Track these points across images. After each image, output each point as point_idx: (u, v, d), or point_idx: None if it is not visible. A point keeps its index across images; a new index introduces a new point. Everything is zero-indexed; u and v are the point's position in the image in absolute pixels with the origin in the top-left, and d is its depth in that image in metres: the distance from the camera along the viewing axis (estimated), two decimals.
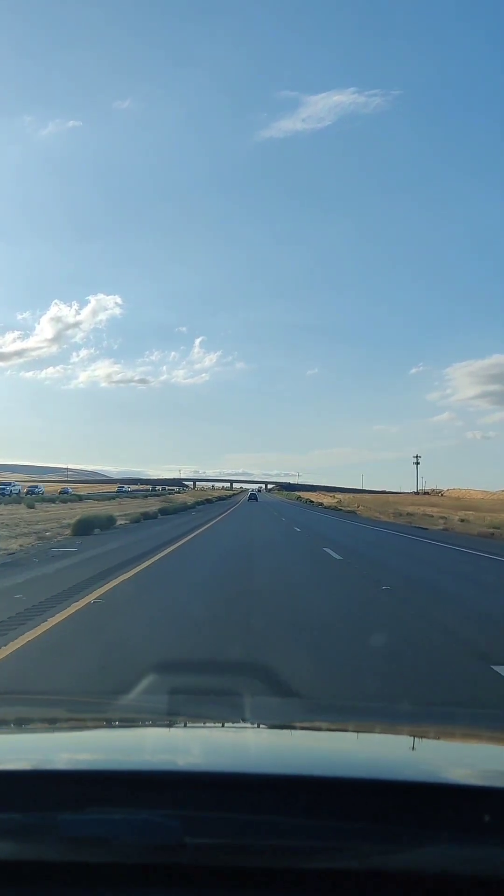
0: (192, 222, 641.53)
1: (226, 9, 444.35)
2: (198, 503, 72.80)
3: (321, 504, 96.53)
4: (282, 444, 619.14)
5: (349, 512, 66.15)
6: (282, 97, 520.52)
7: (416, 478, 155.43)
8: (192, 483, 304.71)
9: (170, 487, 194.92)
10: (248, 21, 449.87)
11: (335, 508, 76.97)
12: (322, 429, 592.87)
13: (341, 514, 58.74)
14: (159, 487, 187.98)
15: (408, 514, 50.49)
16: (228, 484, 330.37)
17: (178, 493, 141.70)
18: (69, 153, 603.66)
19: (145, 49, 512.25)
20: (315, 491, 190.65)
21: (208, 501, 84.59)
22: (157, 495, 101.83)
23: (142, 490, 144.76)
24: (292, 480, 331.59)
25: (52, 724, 2.30)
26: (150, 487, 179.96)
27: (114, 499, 73.11)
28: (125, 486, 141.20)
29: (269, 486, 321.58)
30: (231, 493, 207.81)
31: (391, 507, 64.61)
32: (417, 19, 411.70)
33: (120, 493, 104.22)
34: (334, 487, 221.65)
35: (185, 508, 50.91)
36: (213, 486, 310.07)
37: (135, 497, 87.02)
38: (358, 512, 65.14)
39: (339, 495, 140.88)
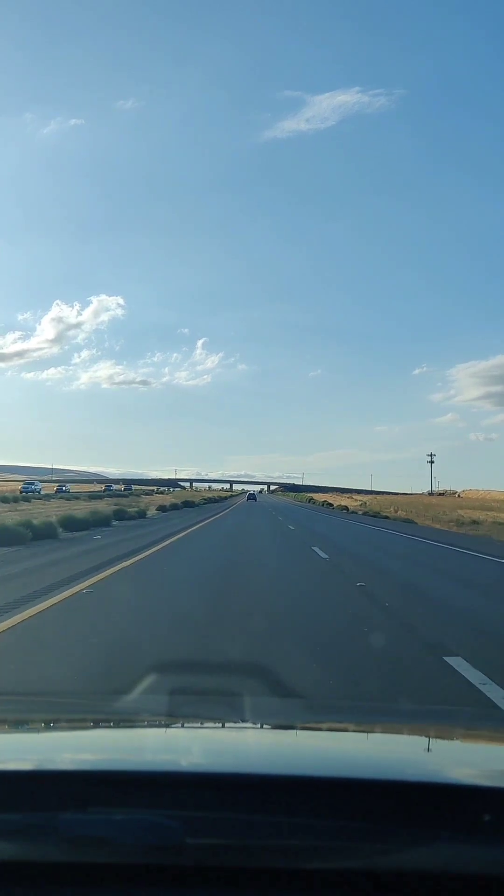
0: (195, 223, 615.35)
1: (229, 8, 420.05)
2: (167, 508, 47.59)
3: (345, 508, 71.09)
4: (284, 445, 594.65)
5: (406, 521, 43.63)
6: (285, 97, 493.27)
7: (431, 478, 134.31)
8: (188, 483, 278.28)
9: (144, 488, 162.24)
10: (252, 21, 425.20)
11: (374, 514, 54.37)
12: (324, 430, 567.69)
13: (405, 528, 34.37)
14: (120, 486, 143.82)
15: (473, 521, 37.80)
16: (228, 485, 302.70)
17: (160, 493, 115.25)
18: (71, 152, 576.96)
19: (148, 48, 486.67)
20: (324, 492, 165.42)
21: (188, 505, 58.41)
22: (123, 496, 74.00)
23: (94, 490, 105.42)
24: (296, 481, 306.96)
25: (53, 724, 2.25)
26: (102, 487, 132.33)
27: (9, 501, 45.41)
28: (36, 483, 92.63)
29: (272, 488, 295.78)
30: (229, 494, 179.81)
31: (433, 511, 50.97)
32: (422, 18, 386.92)
33: (27, 492, 70.60)
34: (342, 488, 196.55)
35: (94, 525, 24.29)
36: (209, 486, 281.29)
37: (76, 498, 60.29)
38: (410, 519, 43.90)
39: (358, 496, 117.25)
